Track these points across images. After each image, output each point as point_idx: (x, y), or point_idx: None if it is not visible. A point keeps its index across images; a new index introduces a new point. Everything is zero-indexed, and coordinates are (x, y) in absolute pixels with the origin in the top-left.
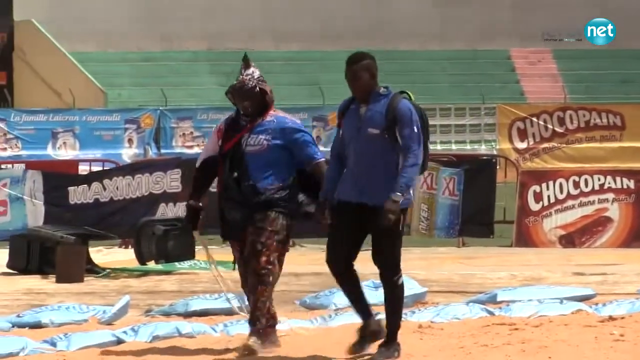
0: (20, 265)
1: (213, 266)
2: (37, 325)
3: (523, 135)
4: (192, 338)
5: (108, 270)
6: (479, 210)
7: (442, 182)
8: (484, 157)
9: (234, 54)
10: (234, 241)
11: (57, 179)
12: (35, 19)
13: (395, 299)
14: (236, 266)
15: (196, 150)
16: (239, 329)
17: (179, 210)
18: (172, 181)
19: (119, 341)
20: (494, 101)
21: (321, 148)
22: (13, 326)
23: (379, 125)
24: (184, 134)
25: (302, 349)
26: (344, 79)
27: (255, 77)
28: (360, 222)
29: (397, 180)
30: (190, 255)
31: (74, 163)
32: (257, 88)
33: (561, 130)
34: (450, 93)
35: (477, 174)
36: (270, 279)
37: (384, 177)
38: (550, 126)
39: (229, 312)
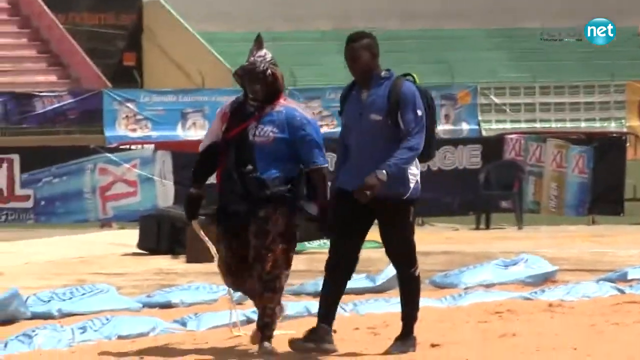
0: (151, 245)
1: (216, 258)
2: (167, 305)
3: None
4: None
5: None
6: (609, 188)
7: (572, 159)
8: (614, 135)
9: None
10: (228, 233)
11: (187, 159)
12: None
13: (411, 292)
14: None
15: (325, 129)
16: (369, 308)
17: None
18: None
19: (249, 320)
20: (623, 78)
21: (449, 127)
22: (143, 306)
23: (381, 111)
24: (313, 113)
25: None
26: (472, 57)
27: (268, 59)
28: (364, 212)
29: (389, 159)
30: (319, 235)
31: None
32: (269, 71)
33: None
34: (579, 71)
35: (607, 151)
36: (277, 284)
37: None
38: None
39: (359, 292)
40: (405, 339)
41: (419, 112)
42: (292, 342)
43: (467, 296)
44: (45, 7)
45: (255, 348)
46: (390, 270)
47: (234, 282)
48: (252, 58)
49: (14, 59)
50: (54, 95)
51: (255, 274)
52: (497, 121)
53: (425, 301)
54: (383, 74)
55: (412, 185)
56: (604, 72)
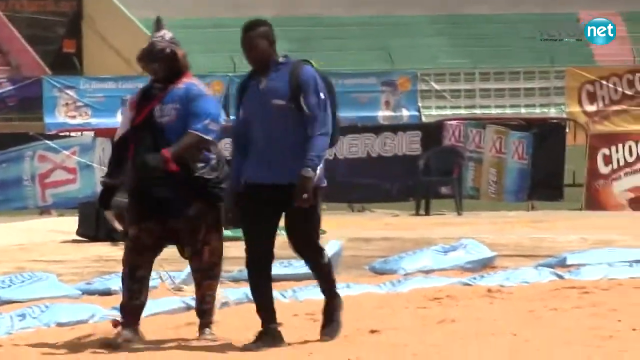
0: (90, 232)
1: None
2: (106, 293)
3: (592, 98)
4: None
5: None
6: (549, 174)
7: (511, 145)
8: (554, 121)
9: (306, 20)
10: (147, 215)
11: None
12: None
13: (326, 278)
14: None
15: None
16: (308, 294)
17: None
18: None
19: (188, 307)
20: (563, 64)
21: (389, 113)
22: (83, 293)
23: (283, 96)
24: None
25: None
26: (414, 43)
27: (167, 38)
28: (274, 204)
29: (307, 154)
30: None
31: None
32: (168, 49)
33: (631, 93)
34: (519, 57)
35: (547, 137)
36: (216, 271)
37: (295, 152)
38: (619, 89)
39: (298, 278)
40: (332, 324)
41: (322, 95)
42: (245, 347)
43: (407, 282)
44: None
45: (195, 335)
46: (329, 248)
47: (139, 264)
48: (153, 38)
49: None
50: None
51: (194, 267)
52: (437, 107)
53: (365, 287)
54: (281, 59)
55: (317, 172)
56: (544, 58)
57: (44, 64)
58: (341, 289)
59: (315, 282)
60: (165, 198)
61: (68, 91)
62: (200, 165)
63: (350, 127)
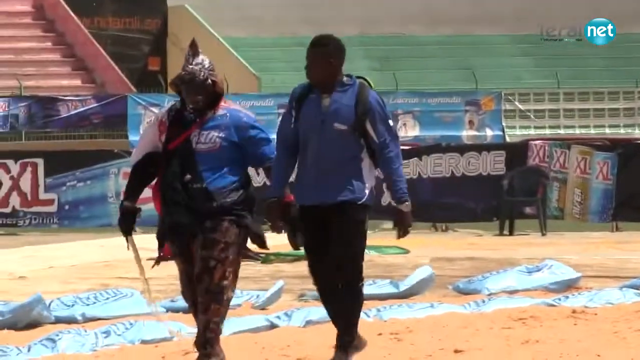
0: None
1: (143, 278)
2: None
3: None
4: None
5: (262, 256)
6: (633, 194)
7: (596, 166)
8: (638, 141)
9: (388, 39)
10: (181, 248)
11: None
12: (189, 4)
13: (358, 307)
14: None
15: None
16: (392, 313)
17: None
18: None
19: (272, 326)
20: None
21: (473, 133)
22: (167, 311)
23: (347, 121)
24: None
25: None
26: (497, 63)
27: (206, 66)
28: (325, 224)
29: (397, 187)
30: None
31: None
32: (209, 81)
33: None
34: (603, 77)
35: (631, 157)
36: (225, 297)
37: (349, 175)
38: None
39: (382, 298)
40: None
41: (390, 122)
42: None
43: (491, 302)
44: (70, 11)
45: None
46: (414, 277)
47: (192, 294)
48: (189, 66)
49: (39, 63)
50: (78, 99)
51: (203, 288)
52: (521, 127)
53: (449, 307)
54: (345, 79)
55: (367, 192)
56: (629, 78)
57: (129, 82)
58: (425, 309)
59: (399, 302)
60: (184, 222)
61: (152, 108)
62: (223, 191)
63: (435, 146)
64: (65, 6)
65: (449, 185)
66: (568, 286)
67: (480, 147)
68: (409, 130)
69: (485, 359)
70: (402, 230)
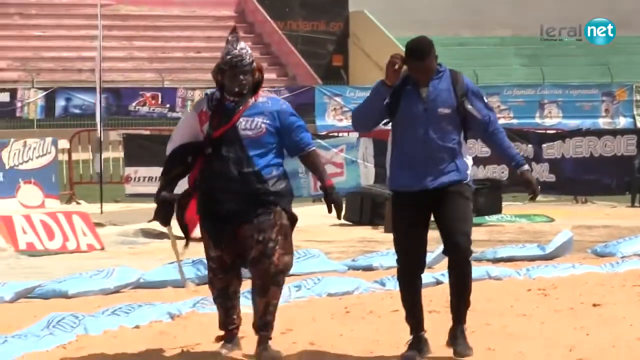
0: (355, 217)
1: (179, 263)
2: (369, 268)
3: None
4: (499, 280)
5: None
6: None
7: None
8: None
9: (535, 39)
10: (219, 234)
11: (387, 145)
12: (368, 10)
13: (468, 279)
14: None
15: (502, 121)
16: (539, 272)
17: (488, 171)
18: None
19: (438, 282)
20: None
21: (608, 120)
22: (349, 269)
23: (449, 104)
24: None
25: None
26: (631, 60)
27: (249, 51)
28: (425, 210)
29: (512, 154)
30: (498, 210)
31: None
32: (254, 63)
33: None
34: None
35: None
36: (283, 278)
37: (454, 158)
38: None
39: (531, 259)
40: (463, 334)
41: (485, 98)
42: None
43: (624, 264)
44: (267, 16)
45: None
46: (558, 240)
47: (228, 283)
48: (235, 51)
49: None
50: (274, 90)
51: (262, 270)
52: None
53: (588, 267)
54: (439, 67)
55: (469, 172)
56: None
57: (316, 75)
58: (567, 269)
59: (545, 263)
60: (235, 210)
61: (336, 98)
62: (272, 176)
63: (576, 131)
64: (263, 11)
65: (588, 164)
66: None
67: (615, 132)
68: (553, 118)
69: (619, 311)
70: (532, 189)
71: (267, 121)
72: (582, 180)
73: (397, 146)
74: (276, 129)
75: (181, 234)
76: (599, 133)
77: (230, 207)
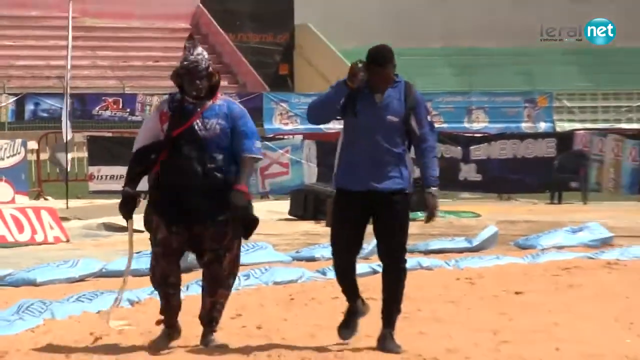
0: (299, 213)
1: (129, 257)
2: (311, 259)
3: None
4: (430, 270)
5: None
6: None
7: (627, 150)
8: None
9: (466, 50)
10: (173, 219)
11: (328, 146)
12: (311, 23)
13: (402, 286)
14: (155, 252)
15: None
16: (466, 263)
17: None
18: None
19: (374, 272)
20: None
21: (530, 124)
22: (293, 259)
23: (398, 113)
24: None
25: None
26: (550, 70)
27: (206, 57)
28: (364, 211)
29: (430, 174)
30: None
31: (339, 135)
32: (210, 68)
33: None
34: (633, 81)
35: None
36: (232, 281)
37: (399, 165)
38: None
39: (459, 251)
40: (392, 335)
41: (429, 118)
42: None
43: (544, 255)
44: (219, 28)
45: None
46: (484, 234)
47: (170, 269)
48: (191, 57)
49: None
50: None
51: (212, 274)
52: (568, 120)
53: (511, 259)
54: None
55: (411, 181)
56: None
57: (264, 83)
58: (492, 260)
59: (472, 255)
60: (196, 206)
61: (282, 104)
62: (229, 176)
63: (501, 134)
64: (216, 24)
65: (512, 164)
66: (604, 243)
67: (536, 135)
68: (480, 122)
69: (539, 298)
70: (430, 212)
71: (222, 122)
72: (506, 179)
73: (347, 147)
74: (230, 130)
75: (140, 228)
76: (522, 136)
77: (192, 203)
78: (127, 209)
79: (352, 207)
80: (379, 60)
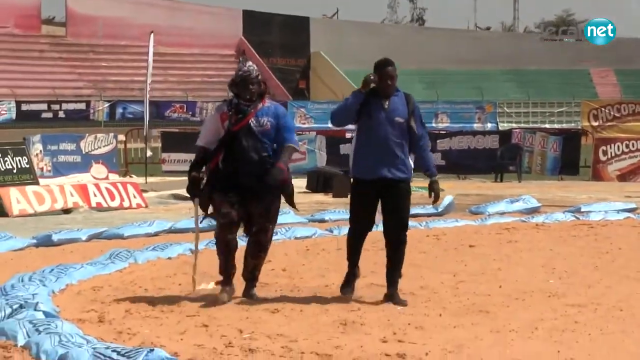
0: (313, 187)
1: (197, 232)
2: (322, 221)
3: (596, 117)
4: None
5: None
6: (571, 160)
7: (550, 144)
8: (573, 130)
9: (432, 71)
10: (232, 196)
11: (335, 140)
12: (323, 51)
13: (403, 255)
14: (221, 213)
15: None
16: (434, 224)
17: None
18: None
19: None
20: (580, 98)
21: (480, 125)
22: (309, 221)
23: (403, 115)
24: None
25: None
26: (494, 85)
27: (256, 68)
28: (376, 196)
29: (432, 167)
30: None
31: (342, 132)
32: (260, 76)
33: (618, 115)
34: (555, 93)
35: (571, 139)
36: (269, 247)
37: (401, 157)
38: (612, 112)
39: (428, 215)
40: (397, 293)
41: (422, 120)
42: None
43: (490, 219)
44: (256, 54)
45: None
46: (446, 203)
47: (232, 236)
48: (245, 67)
49: None
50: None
51: (256, 240)
52: (507, 122)
53: (466, 222)
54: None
55: (412, 171)
56: (569, 95)
57: (288, 94)
58: (452, 222)
59: (438, 218)
60: (250, 186)
61: (301, 109)
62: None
63: (459, 132)
64: (253, 50)
65: (466, 153)
66: (533, 210)
67: (484, 133)
68: (444, 123)
69: (486, 249)
70: (436, 195)
71: (271, 120)
72: (462, 164)
73: (362, 143)
74: (276, 126)
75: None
76: (474, 133)
77: (248, 183)
78: (193, 190)
79: (367, 191)
80: (387, 62)
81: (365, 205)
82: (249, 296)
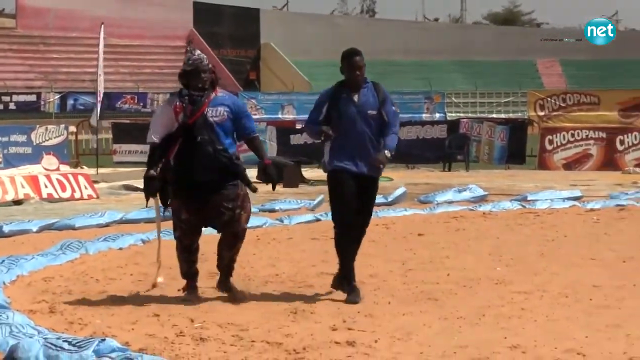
0: (263, 178)
1: (158, 232)
2: (272, 211)
3: (542, 107)
4: None
5: (312, 181)
6: (518, 149)
7: (497, 133)
8: (520, 120)
9: (382, 61)
10: (191, 202)
11: (284, 131)
12: (272, 42)
13: (359, 246)
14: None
15: None
16: (384, 213)
17: None
18: None
19: (317, 219)
20: (527, 89)
21: (429, 115)
22: (259, 211)
23: (374, 107)
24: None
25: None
26: (443, 76)
27: (205, 57)
28: (356, 183)
29: (387, 143)
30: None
31: (292, 122)
32: (210, 65)
33: (564, 105)
34: (502, 84)
35: (517, 129)
36: (244, 236)
37: (378, 150)
38: (558, 102)
39: (378, 205)
40: (354, 287)
41: (394, 107)
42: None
43: (438, 208)
44: (206, 45)
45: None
46: (396, 193)
47: (193, 240)
48: (194, 56)
49: None
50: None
51: (230, 232)
52: (456, 112)
53: (415, 210)
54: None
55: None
56: (516, 85)
57: (238, 85)
58: (402, 211)
59: (388, 208)
60: (208, 179)
61: (252, 100)
62: (234, 154)
63: (408, 122)
64: (204, 42)
65: (415, 143)
66: (481, 199)
67: (433, 122)
68: None
69: (435, 238)
70: (379, 162)
71: (227, 109)
72: (412, 153)
73: (337, 138)
74: (233, 116)
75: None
76: (423, 123)
77: (204, 178)
78: (150, 190)
79: (348, 180)
80: (354, 52)
81: (346, 191)
82: (226, 289)
